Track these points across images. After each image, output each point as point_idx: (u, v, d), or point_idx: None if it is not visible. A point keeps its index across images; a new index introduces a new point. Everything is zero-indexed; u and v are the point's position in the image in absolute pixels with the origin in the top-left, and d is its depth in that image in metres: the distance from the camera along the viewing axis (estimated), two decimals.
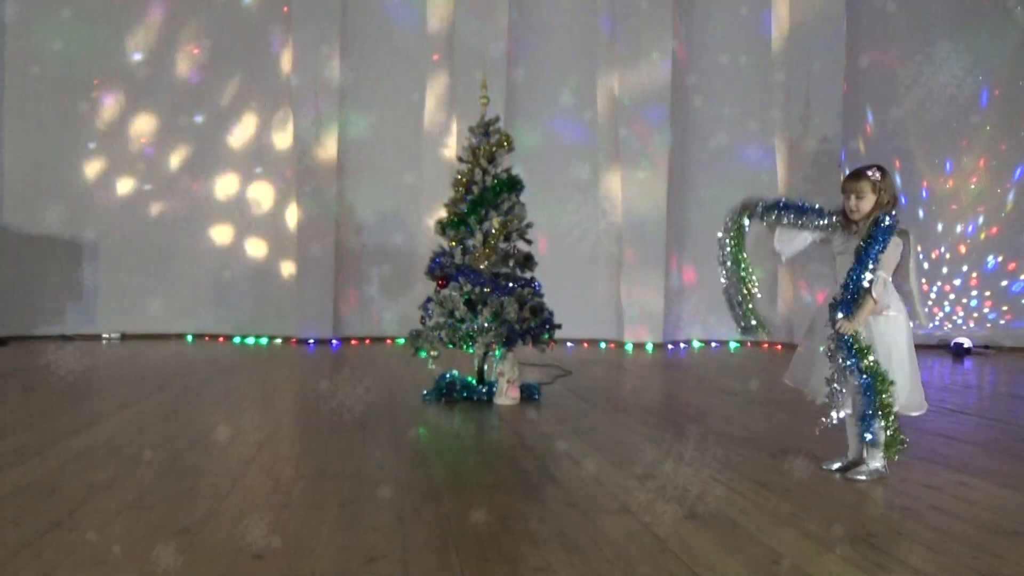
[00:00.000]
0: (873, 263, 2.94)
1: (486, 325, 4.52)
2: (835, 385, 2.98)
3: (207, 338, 8.29)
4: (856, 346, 2.94)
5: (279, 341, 8.19)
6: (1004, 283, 8.63)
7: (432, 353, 4.63)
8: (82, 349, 7.23)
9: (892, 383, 2.92)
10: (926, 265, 8.65)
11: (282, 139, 8.39)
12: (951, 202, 8.71)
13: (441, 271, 4.74)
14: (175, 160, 8.37)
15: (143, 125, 8.30)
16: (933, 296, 8.69)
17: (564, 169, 8.56)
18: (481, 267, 4.69)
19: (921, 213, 8.70)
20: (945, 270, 8.72)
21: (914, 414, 3.10)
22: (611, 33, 8.47)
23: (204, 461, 3.11)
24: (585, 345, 8.39)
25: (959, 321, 8.69)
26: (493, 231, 4.69)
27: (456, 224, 4.76)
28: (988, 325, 8.65)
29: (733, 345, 8.63)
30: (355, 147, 8.44)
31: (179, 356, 6.91)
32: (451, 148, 8.16)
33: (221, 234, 8.48)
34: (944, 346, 8.39)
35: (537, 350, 4.81)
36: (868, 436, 2.94)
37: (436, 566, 2.06)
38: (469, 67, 8.08)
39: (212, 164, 8.43)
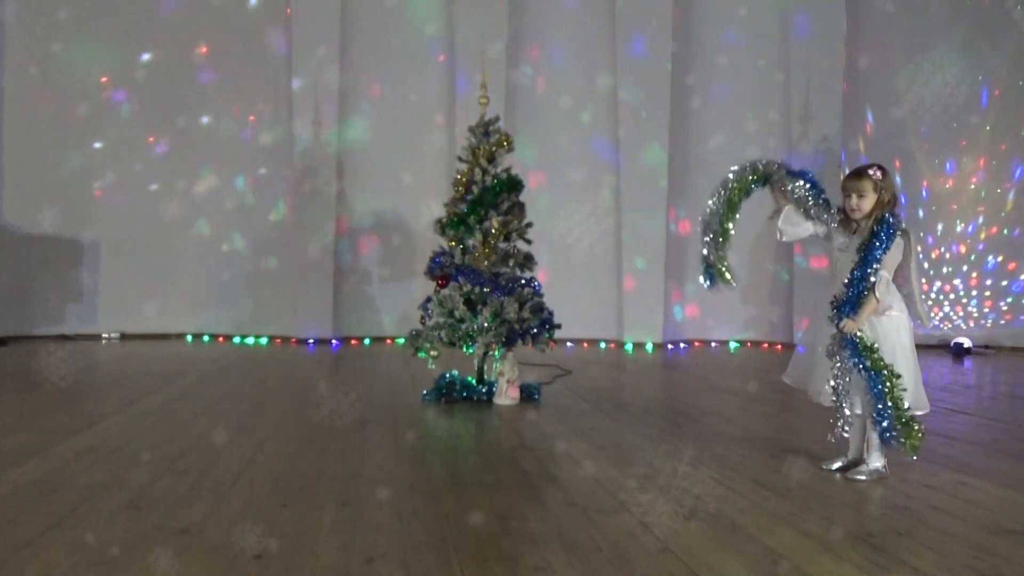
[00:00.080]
0: (877, 263, 2.94)
1: (486, 325, 4.52)
2: (841, 385, 2.98)
3: (207, 338, 8.29)
4: (861, 345, 2.94)
5: (279, 341, 8.18)
6: (1004, 283, 8.63)
7: (432, 353, 4.63)
8: (82, 349, 7.23)
9: (899, 376, 2.92)
10: (926, 265, 8.65)
11: (282, 139, 8.39)
12: (951, 202, 8.71)
13: (441, 271, 4.74)
14: (175, 160, 8.37)
15: (143, 125, 8.29)
16: (932, 296, 8.70)
17: (564, 169, 8.56)
18: (481, 267, 4.69)
19: (921, 213, 8.70)
20: (945, 270, 8.72)
21: (918, 414, 3.10)
22: (611, 33, 8.46)
23: (204, 461, 3.11)
24: (585, 345, 8.39)
25: (959, 321, 8.69)
26: (493, 231, 4.69)
27: (456, 224, 4.76)
28: (988, 325, 8.66)
29: (733, 345, 8.63)
30: (355, 147, 8.43)
31: (178, 356, 6.90)
32: (451, 148, 8.16)
33: (221, 234, 8.47)
34: (944, 346, 8.39)
35: (537, 350, 4.81)
36: (880, 429, 2.92)
37: (435, 566, 2.06)
38: (469, 67, 8.09)
39: (212, 164, 8.41)
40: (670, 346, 8.43)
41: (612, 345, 8.42)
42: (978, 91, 8.57)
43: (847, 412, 3.00)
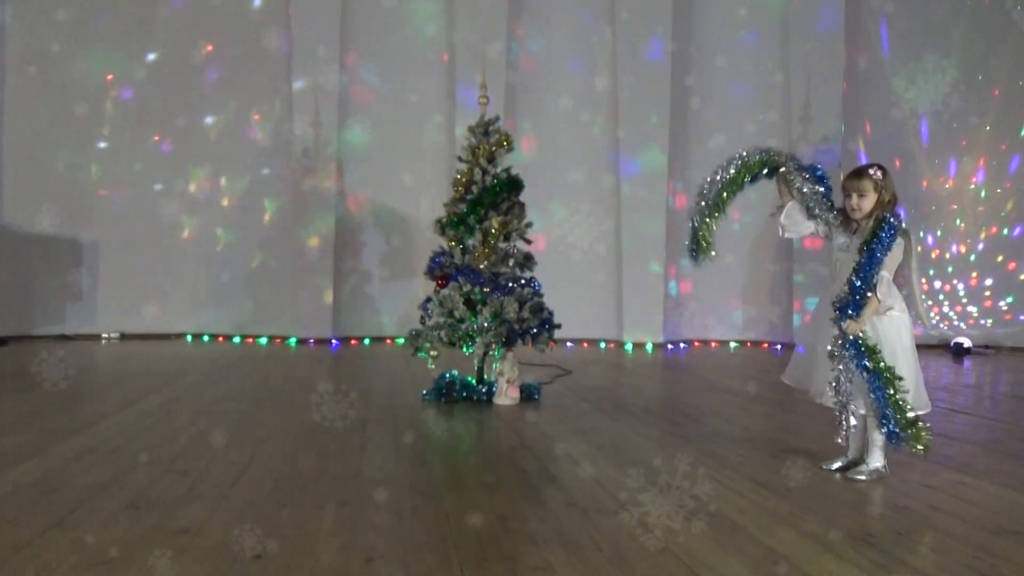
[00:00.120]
0: (879, 263, 2.94)
1: (486, 325, 4.52)
2: (843, 387, 2.97)
3: (207, 338, 8.29)
4: (864, 346, 2.93)
5: (278, 341, 8.18)
6: (1004, 283, 8.63)
7: (432, 353, 4.63)
8: (82, 349, 7.23)
9: (901, 378, 2.92)
10: (927, 266, 8.66)
11: (282, 139, 8.38)
12: (951, 202, 8.71)
13: (441, 271, 4.74)
14: (175, 160, 8.36)
15: (143, 125, 8.28)
16: (932, 296, 8.69)
17: (563, 169, 8.56)
18: (481, 267, 4.69)
19: (921, 213, 8.70)
20: (946, 270, 8.72)
21: (920, 413, 3.10)
22: (611, 34, 8.46)
23: (204, 461, 3.11)
24: (585, 345, 8.39)
25: (959, 321, 8.68)
26: (493, 231, 4.69)
27: (456, 224, 4.76)
28: (988, 325, 8.65)
29: (733, 345, 8.63)
30: (355, 147, 8.44)
31: (178, 356, 6.90)
32: (451, 148, 8.16)
33: (220, 234, 8.47)
34: (944, 346, 8.39)
35: (537, 350, 4.81)
36: (888, 433, 2.91)
37: (435, 566, 2.06)
38: (469, 67, 8.09)
39: (212, 164, 8.41)
40: (670, 346, 8.43)
41: (612, 345, 8.42)
42: (978, 91, 8.57)
43: (855, 414, 3.00)
